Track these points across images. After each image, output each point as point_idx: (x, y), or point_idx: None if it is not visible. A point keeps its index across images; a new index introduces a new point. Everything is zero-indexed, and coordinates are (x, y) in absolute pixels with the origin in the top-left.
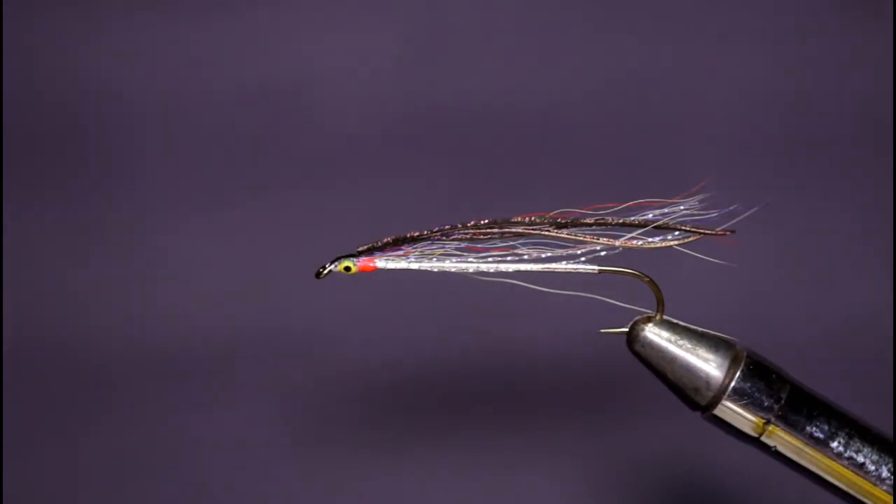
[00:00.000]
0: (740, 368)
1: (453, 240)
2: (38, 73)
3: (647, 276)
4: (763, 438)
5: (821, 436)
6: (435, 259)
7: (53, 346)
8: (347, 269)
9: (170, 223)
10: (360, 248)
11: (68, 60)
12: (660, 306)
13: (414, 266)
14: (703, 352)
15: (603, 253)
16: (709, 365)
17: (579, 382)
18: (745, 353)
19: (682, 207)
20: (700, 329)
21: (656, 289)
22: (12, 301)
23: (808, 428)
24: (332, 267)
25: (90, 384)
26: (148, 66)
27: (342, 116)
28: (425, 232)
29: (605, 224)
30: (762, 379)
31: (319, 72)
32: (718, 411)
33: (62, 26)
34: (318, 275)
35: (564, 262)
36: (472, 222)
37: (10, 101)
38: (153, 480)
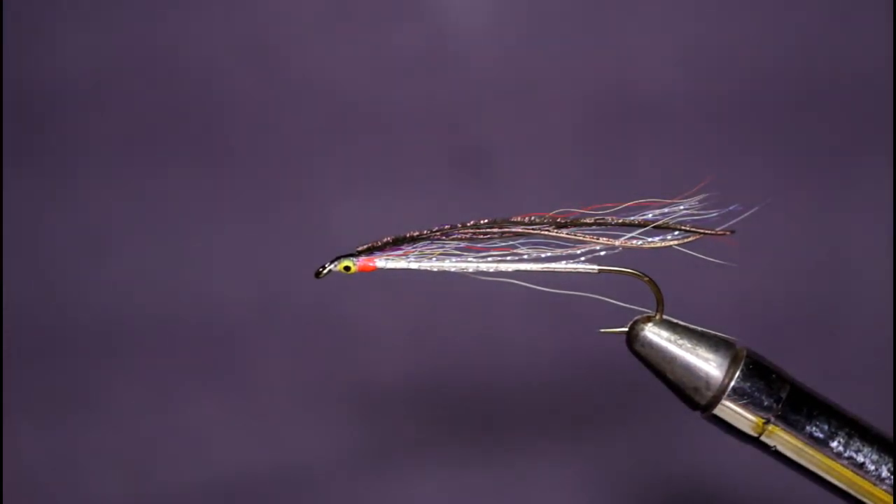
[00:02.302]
0: (740, 368)
1: (453, 239)
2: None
3: (647, 276)
4: (763, 438)
5: (820, 435)
6: (434, 259)
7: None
8: (347, 268)
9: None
10: (360, 248)
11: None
12: (659, 306)
13: (413, 266)
14: (702, 351)
15: (603, 253)
16: (709, 364)
17: (578, 382)
18: (744, 353)
19: (681, 207)
20: (700, 329)
21: (656, 288)
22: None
23: (807, 427)
24: (332, 266)
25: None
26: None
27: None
28: (425, 231)
29: (605, 224)
30: (762, 378)
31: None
32: (718, 411)
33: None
34: (317, 274)
35: (564, 262)
36: (472, 222)
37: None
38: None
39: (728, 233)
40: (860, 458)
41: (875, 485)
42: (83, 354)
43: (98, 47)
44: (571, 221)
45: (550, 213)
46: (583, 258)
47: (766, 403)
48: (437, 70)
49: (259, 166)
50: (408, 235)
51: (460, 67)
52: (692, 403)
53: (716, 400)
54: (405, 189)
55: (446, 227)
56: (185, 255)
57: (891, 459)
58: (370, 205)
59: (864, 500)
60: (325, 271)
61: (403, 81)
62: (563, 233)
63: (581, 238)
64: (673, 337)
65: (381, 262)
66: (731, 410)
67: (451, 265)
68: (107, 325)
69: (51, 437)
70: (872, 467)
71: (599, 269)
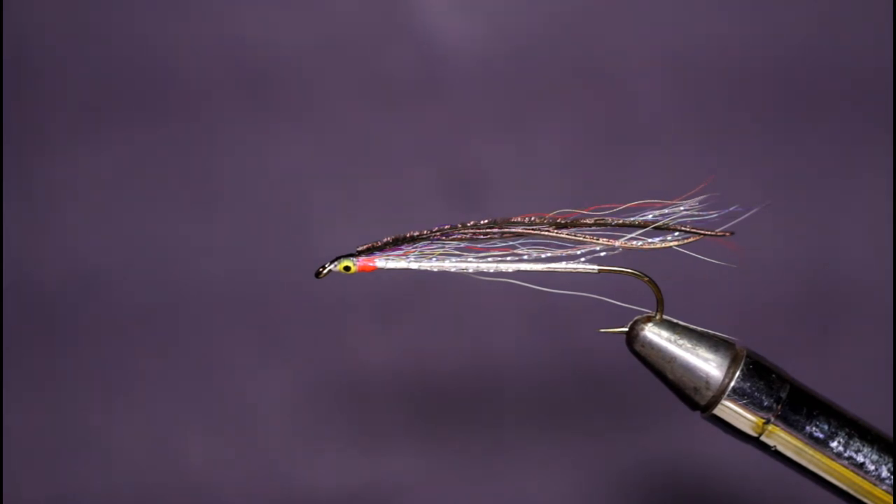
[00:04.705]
0: (740, 368)
1: (453, 239)
2: None
3: (647, 276)
4: (763, 438)
5: (820, 435)
6: (434, 259)
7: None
8: (347, 268)
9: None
10: (360, 248)
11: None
12: (659, 306)
13: (414, 266)
14: (702, 351)
15: (603, 253)
16: (709, 364)
17: (578, 382)
18: (744, 353)
19: (681, 208)
20: (700, 329)
21: (656, 288)
22: None
23: (807, 427)
24: (332, 266)
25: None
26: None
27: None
28: (425, 231)
29: (605, 224)
30: (762, 379)
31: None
32: (718, 411)
33: None
34: (317, 274)
35: (564, 262)
36: (472, 222)
37: None
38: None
39: (728, 234)
40: (860, 458)
41: (875, 485)
42: (83, 391)
43: (98, 59)
44: (571, 222)
45: (550, 214)
46: (583, 258)
47: (766, 403)
48: (429, 96)
49: (249, 197)
50: (408, 235)
51: (452, 93)
52: (692, 403)
53: (716, 400)
54: (398, 216)
55: (446, 227)
56: (180, 286)
57: (891, 459)
58: (361, 232)
59: (864, 500)
60: (325, 271)
61: (395, 107)
62: (563, 233)
63: (581, 238)
64: (673, 337)
65: (381, 262)
66: (731, 410)
67: (451, 265)
68: (105, 362)
69: (50, 477)
70: (872, 467)
71: (599, 270)
